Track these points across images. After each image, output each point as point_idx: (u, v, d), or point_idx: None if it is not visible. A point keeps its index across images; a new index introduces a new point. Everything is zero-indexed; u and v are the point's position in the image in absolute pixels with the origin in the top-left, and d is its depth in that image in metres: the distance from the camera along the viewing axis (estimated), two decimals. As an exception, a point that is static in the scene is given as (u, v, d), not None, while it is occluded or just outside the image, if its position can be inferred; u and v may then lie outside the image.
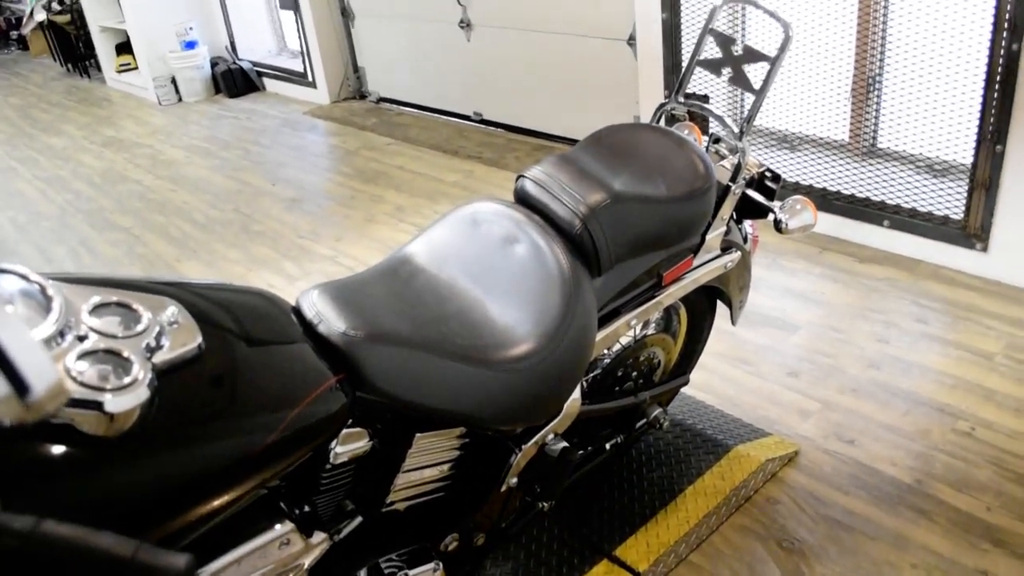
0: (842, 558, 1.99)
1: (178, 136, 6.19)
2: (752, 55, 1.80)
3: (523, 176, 1.67)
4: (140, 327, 1.09)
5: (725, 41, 1.85)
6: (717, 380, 2.64)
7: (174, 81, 7.10)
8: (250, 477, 1.15)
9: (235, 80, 7.03)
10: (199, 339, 1.14)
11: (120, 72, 7.81)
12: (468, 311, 1.48)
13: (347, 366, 1.31)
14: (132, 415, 1.01)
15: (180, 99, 7.15)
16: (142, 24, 6.99)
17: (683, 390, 2.40)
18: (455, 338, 1.41)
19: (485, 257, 1.56)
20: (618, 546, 2.05)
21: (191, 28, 6.97)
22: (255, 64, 7.13)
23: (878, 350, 2.72)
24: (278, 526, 1.24)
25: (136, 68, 7.48)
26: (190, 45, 6.97)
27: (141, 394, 1.02)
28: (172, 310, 1.15)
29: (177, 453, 1.08)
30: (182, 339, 1.13)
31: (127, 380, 1.01)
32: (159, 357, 1.09)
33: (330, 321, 1.34)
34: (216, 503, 1.11)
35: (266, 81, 7.11)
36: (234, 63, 7.12)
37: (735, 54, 1.81)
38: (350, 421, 1.32)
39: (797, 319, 2.94)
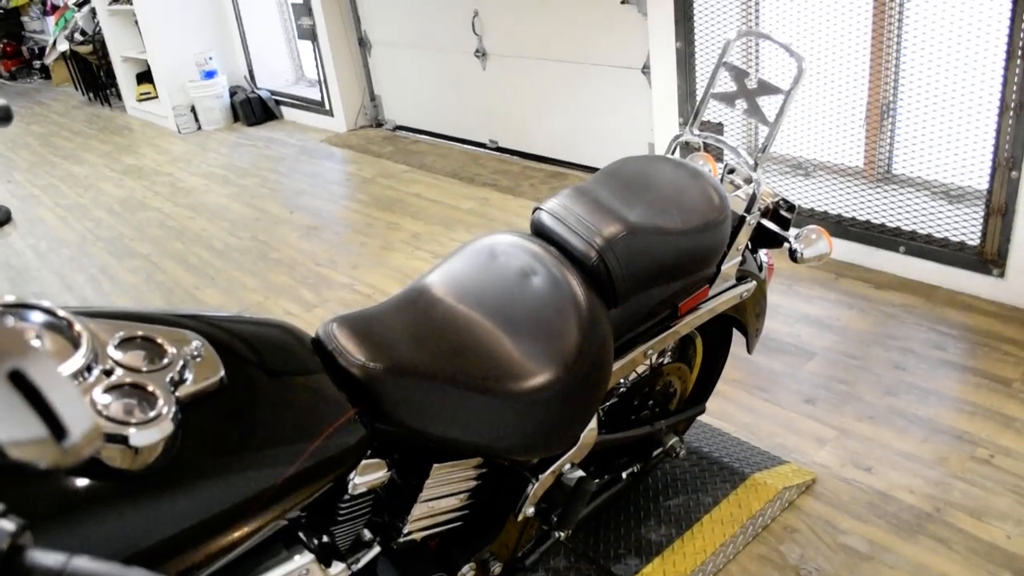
0: (861, 588, 1.98)
1: (197, 164, 6.27)
2: (765, 88, 1.82)
3: (539, 208, 1.69)
4: (164, 361, 1.12)
5: (739, 74, 1.87)
6: (733, 408, 2.64)
7: (193, 110, 7.20)
8: (270, 509, 1.16)
9: (253, 109, 7.12)
10: (221, 372, 1.16)
11: (140, 101, 7.93)
12: (485, 342, 1.49)
13: (366, 398, 1.32)
14: (156, 448, 1.03)
15: (199, 127, 7.25)
16: (162, 54, 7.11)
17: (700, 418, 2.40)
18: (472, 369, 1.43)
19: (502, 289, 1.57)
20: (635, 575, 2.04)
21: (210, 58, 7.07)
22: (273, 93, 7.22)
23: (895, 377, 2.71)
24: (297, 557, 1.25)
25: (156, 97, 7.59)
26: (209, 75, 7.07)
27: (165, 428, 1.03)
28: (195, 344, 1.17)
29: (199, 485, 1.09)
30: (205, 372, 1.15)
31: (152, 414, 1.03)
32: (183, 391, 1.11)
33: (349, 353, 1.36)
34: (237, 535, 1.12)
35: (284, 109, 7.19)
36: (252, 92, 7.21)
37: (748, 87, 1.84)
38: (369, 452, 1.34)
39: (813, 346, 2.94)
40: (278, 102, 7.20)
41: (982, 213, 3.02)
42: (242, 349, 1.28)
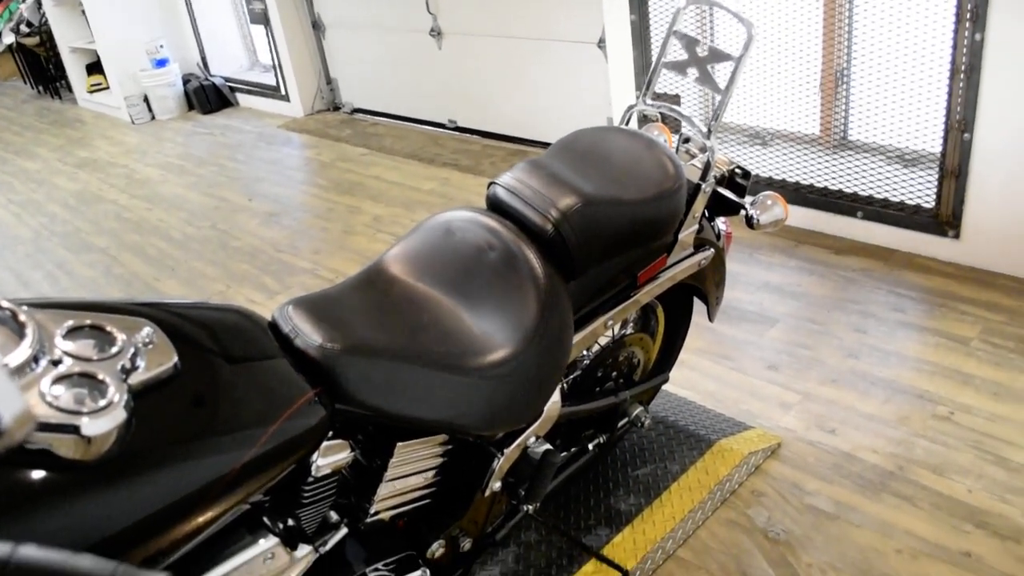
0: (828, 547, 2.01)
1: (152, 154, 6.17)
2: (716, 55, 1.82)
3: (495, 183, 1.68)
4: (115, 349, 1.10)
5: (690, 42, 1.87)
6: (698, 376, 2.66)
7: (146, 99, 7.06)
8: (231, 494, 1.15)
9: (208, 96, 7.01)
10: (175, 358, 1.15)
11: (92, 92, 7.77)
12: (444, 319, 1.49)
13: (325, 379, 1.31)
14: (109, 438, 1.01)
15: (153, 117, 7.12)
16: (112, 44, 6.96)
17: (665, 387, 2.41)
18: (432, 346, 1.42)
19: (460, 265, 1.57)
20: (605, 545, 2.06)
21: (161, 46, 6.94)
22: (227, 80, 7.11)
23: (856, 340, 2.75)
24: (262, 541, 1.24)
25: (107, 88, 7.44)
26: (161, 63, 6.94)
27: (118, 416, 1.02)
28: (147, 331, 1.15)
29: (156, 473, 1.08)
30: (157, 359, 1.13)
31: (103, 403, 1.01)
32: (135, 378, 1.09)
33: (306, 335, 1.35)
34: (198, 521, 1.11)
35: (239, 96, 7.09)
36: (206, 79, 7.09)
37: (700, 55, 1.83)
38: (331, 433, 1.33)
39: (775, 312, 2.96)
40: (233, 89, 7.09)
41: (936, 176, 3.06)
42: (195, 334, 1.26)
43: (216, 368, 1.23)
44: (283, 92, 6.51)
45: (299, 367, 1.32)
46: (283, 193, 4.98)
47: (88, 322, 1.11)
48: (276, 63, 6.40)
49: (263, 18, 6.23)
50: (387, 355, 1.36)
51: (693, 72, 1.86)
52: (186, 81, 7.10)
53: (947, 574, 1.91)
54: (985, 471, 2.16)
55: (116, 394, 1.03)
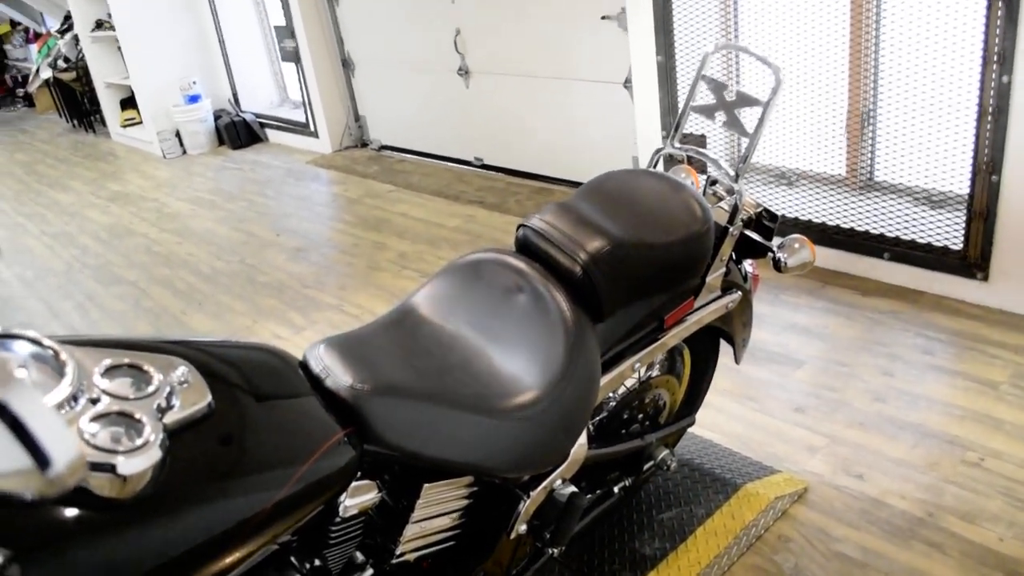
0: (856, 595, 1.99)
1: (183, 189, 6.26)
2: (744, 100, 1.84)
3: (524, 225, 1.70)
4: (151, 388, 1.11)
5: (718, 87, 1.89)
6: (724, 418, 2.65)
7: (178, 134, 7.20)
8: (261, 534, 1.16)
9: (238, 132, 7.13)
10: (209, 398, 1.16)
11: (125, 127, 7.93)
12: (473, 361, 1.50)
13: (355, 419, 1.32)
14: (145, 476, 1.03)
15: (184, 152, 7.24)
16: (146, 79, 7.11)
17: (690, 429, 2.40)
18: (460, 388, 1.43)
19: (488, 307, 1.58)
20: (630, 589, 2.04)
21: (194, 82, 7.08)
22: (258, 116, 7.23)
23: (884, 383, 2.72)
24: (290, 582, 1.25)
25: (140, 123, 7.59)
26: (193, 99, 7.07)
27: (153, 455, 1.03)
28: (182, 370, 1.17)
29: (189, 512, 1.09)
30: (192, 398, 1.15)
31: (139, 442, 1.03)
32: (170, 417, 1.11)
33: (337, 375, 1.36)
34: (228, 561, 1.12)
35: (269, 132, 7.20)
36: (237, 115, 7.22)
37: (728, 99, 1.85)
38: (359, 474, 1.34)
39: (801, 354, 2.95)
40: (263, 125, 7.21)
41: (964, 217, 3.04)
42: (229, 374, 1.28)
43: (248, 407, 1.25)
44: (312, 128, 6.60)
45: (329, 407, 1.33)
46: (310, 229, 5.04)
47: (126, 361, 1.13)
48: (306, 100, 6.50)
49: (294, 56, 6.34)
50: (416, 396, 1.37)
51: (721, 116, 1.87)
52: (217, 117, 7.23)
53: (979, 625, 1.88)
54: (1016, 519, 2.13)
55: (152, 433, 1.04)
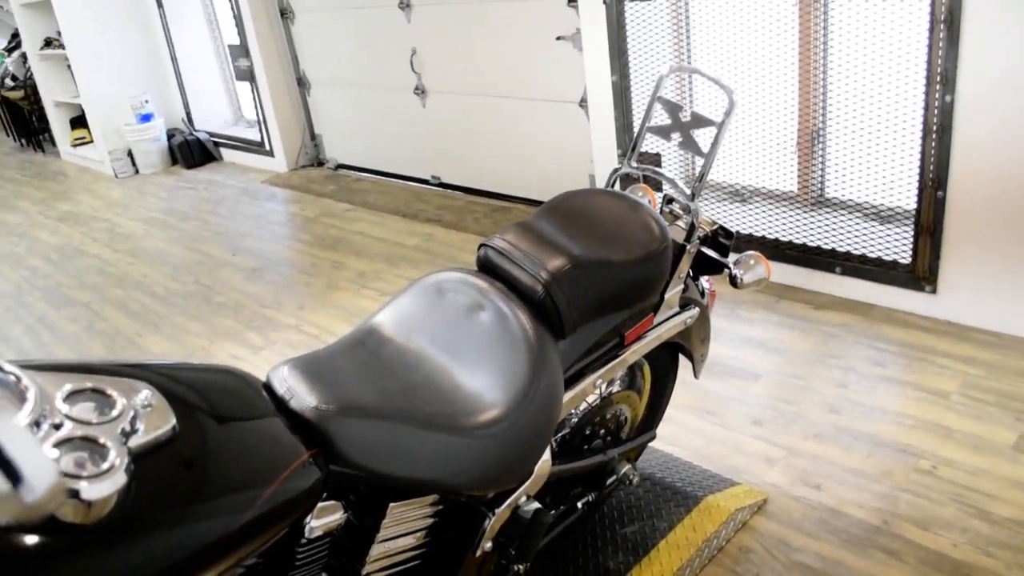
0: (815, 604, 2.02)
1: (135, 209, 6.18)
2: (699, 121, 1.88)
3: (485, 245, 1.72)
4: (115, 412, 1.11)
5: (673, 108, 1.93)
6: (684, 432, 2.68)
7: (130, 154, 7.10)
8: (227, 556, 1.15)
9: (192, 151, 7.06)
10: (173, 421, 1.16)
11: (75, 146, 7.81)
12: (436, 379, 1.51)
13: (320, 440, 1.32)
14: (110, 501, 1.02)
15: (137, 171, 7.15)
16: (97, 98, 7.01)
17: (652, 444, 2.42)
18: (425, 407, 1.44)
19: (451, 325, 1.59)
20: (595, 604, 2.06)
21: (146, 101, 7.00)
22: (212, 135, 7.17)
23: (838, 395, 2.78)
24: (257, 604, 1.25)
25: (91, 142, 7.48)
26: (146, 118, 7.00)
27: (118, 480, 1.03)
28: (145, 393, 1.16)
29: (154, 537, 1.08)
30: (156, 422, 1.14)
31: (104, 466, 1.02)
32: (135, 441, 1.10)
33: (301, 396, 1.36)
34: (192, 585, 1.12)
35: (223, 151, 7.15)
36: (191, 134, 7.15)
37: (683, 120, 1.89)
38: (324, 495, 1.34)
39: (758, 368, 3.00)
40: (217, 144, 7.15)
41: (912, 232, 3.13)
42: (192, 397, 1.27)
43: (213, 430, 1.24)
44: (267, 147, 6.57)
45: (294, 428, 1.33)
46: (267, 248, 5.01)
47: (89, 385, 1.12)
48: (261, 119, 6.47)
49: (249, 75, 6.32)
50: (381, 416, 1.38)
51: (676, 137, 1.91)
52: (170, 136, 7.16)
53: (934, 630, 1.93)
54: (969, 525, 2.19)
55: (117, 458, 1.03)
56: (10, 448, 0.75)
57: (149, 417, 1.14)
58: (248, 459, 1.24)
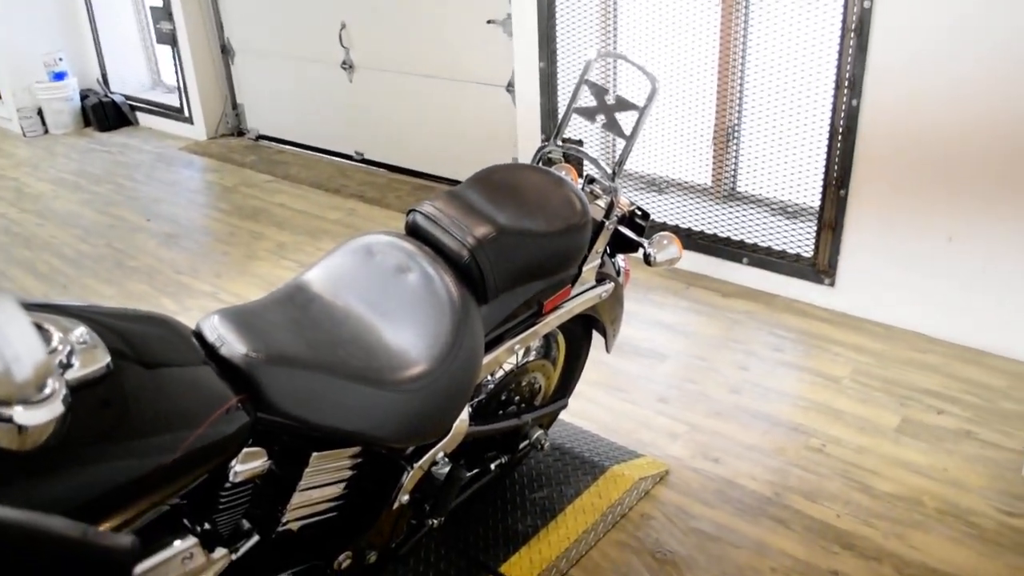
0: (710, 566, 2.15)
1: (45, 169, 5.99)
2: (623, 104, 1.98)
3: (415, 210, 1.78)
4: (52, 345, 1.13)
5: (599, 91, 2.02)
6: (594, 407, 2.80)
7: (40, 113, 6.85)
8: (153, 493, 1.20)
9: (106, 113, 6.85)
10: (107, 359, 1.18)
11: (-19, 102, 7.48)
12: (363, 335, 1.57)
13: (249, 387, 1.37)
14: (47, 429, 1.05)
15: (47, 131, 6.90)
16: (7, 52, 6.72)
17: (562, 416, 2.53)
18: (351, 360, 1.50)
19: (379, 285, 1.65)
20: (503, 563, 2.15)
21: (60, 58, 6.76)
22: (128, 98, 6.97)
23: (740, 377, 2.94)
24: (182, 541, 1.28)
25: (-1, 98, 7.19)
26: (59, 76, 6.75)
27: (56, 409, 1.05)
28: (81, 331, 1.19)
29: (85, 469, 1.11)
30: (91, 359, 1.17)
31: (42, 395, 1.05)
32: (71, 375, 1.13)
33: (231, 343, 1.40)
34: (119, 518, 1.15)
35: (140, 115, 6.96)
36: (106, 96, 6.94)
37: (608, 103, 1.99)
38: (250, 441, 1.38)
39: (666, 349, 3.14)
40: (133, 107, 6.96)
41: (815, 228, 3.31)
42: (125, 338, 1.30)
43: (144, 372, 1.27)
44: (187, 114, 6.44)
45: (223, 374, 1.37)
46: (183, 215, 4.93)
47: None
48: (181, 84, 6.33)
49: (171, 39, 6.17)
50: (309, 366, 1.43)
51: (601, 119, 2.00)
52: (84, 96, 6.93)
53: (815, 591, 2.08)
54: (852, 497, 2.35)
55: (55, 388, 1.06)
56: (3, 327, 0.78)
57: (85, 353, 1.17)
58: (177, 401, 1.27)
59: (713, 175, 3.74)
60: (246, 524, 1.50)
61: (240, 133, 6.45)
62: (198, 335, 1.44)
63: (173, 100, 6.57)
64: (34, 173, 5.90)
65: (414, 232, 1.77)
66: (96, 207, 5.12)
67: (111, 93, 6.99)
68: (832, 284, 3.32)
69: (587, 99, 2.05)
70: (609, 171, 2.01)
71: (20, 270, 4.24)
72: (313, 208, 4.89)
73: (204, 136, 6.38)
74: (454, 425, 1.74)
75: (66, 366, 1.13)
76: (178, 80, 6.34)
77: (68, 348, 1.15)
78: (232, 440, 1.32)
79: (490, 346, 1.81)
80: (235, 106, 6.38)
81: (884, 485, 2.40)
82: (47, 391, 1.06)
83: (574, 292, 1.99)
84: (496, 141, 4.62)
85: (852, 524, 2.27)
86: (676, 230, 3.73)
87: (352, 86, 5.41)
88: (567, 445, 2.56)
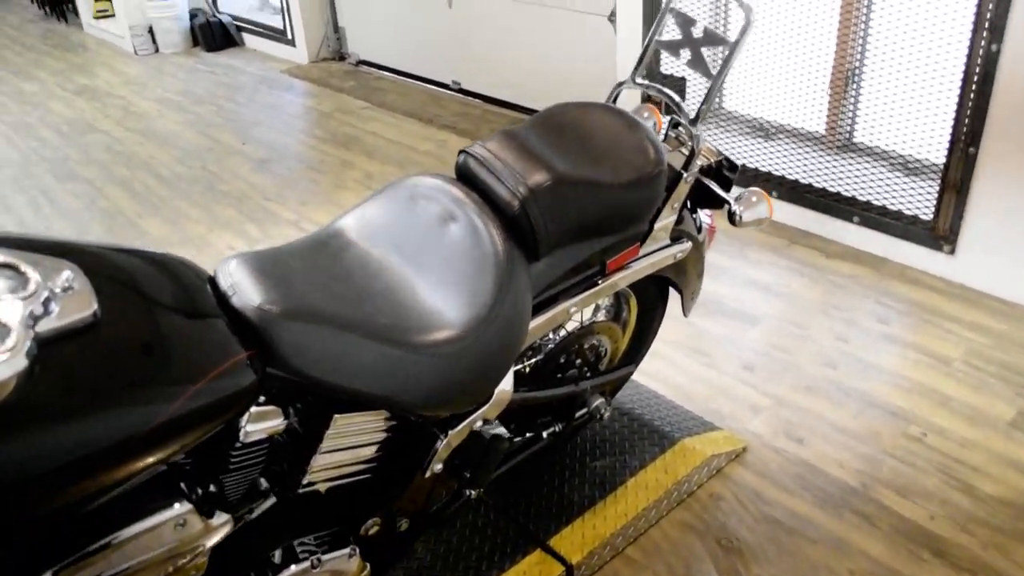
0: (780, 560, 1.96)
1: (152, 88, 6.05)
2: (711, 38, 1.73)
3: (465, 151, 1.60)
4: (26, 292, 1.03)
5: (686, 21, 1.78)
6: (670, 369, 2.60)
7: (151, 31, 6.92)
8: (142, 454, 1.09)
9: (214, 34, 6.87)
10: (94, 307, 1.08)
11: (97, 18, 7.62)
12: (395, 290, 1.42)
13: (259, 342, 1.24)
14: (8, 385, 0.95)
15: (157, 50, 6.99)
16: (122, -31, 6.82)
17: (634, 377, 2.35)
18: (378, 317, 1.35)
19: (419, 234, 1.49)
20: (553, 536, 2.00)
21: (171, -23, 6.80)
22: (235, 18, 6.97)
23: (837, 348, 2.68)
24: (175, 506, 1.19)
25: (113, 15, 7.30)
26: (169, -6, 6.80)
27: (17, 364, 0.96)
28: (67, 275, 1.08)
29: (59, 426, 1.01)
30: (74, 306, 1.07)
31: (2, 347, 0.95)
32: (44, 325, 1.02)
33: (245, 293, 1.28)
34: (104, 480, 1.06)
35: (245, 36, 6.95)
36: (213, 16, 6.95)
37: (695, 36, 1.74)
38: (263, 399, 1.26)
39: (758, 312, 2.89)
40: (239, 28, 6.95)
41: (937, 188, 2.97)
42: (124, 283, 1.19)
43: (140, 320, 1.16)
44: (289, 36, 6.38)
45: (234, 327, 1.25)
46: (278, 140, 4.89)
47: (1, 259, 1.04)
48: (284, 6, 6.26)
49: (276, -41, 6.10)
50: (328, 322, 1.29)
51: (686, 54, 1.77)
52: (193, 16, 6.97)
53: (897, 599, 1.86)
54: (950, 497, 2.10)
55: (17, 340, 0.96)
56: None
57: (66, 301, 1.06)
58: (175, 355, 1.16)
59: (828, 123, 3.41)
60: (263, 484, 1.40)
61: (341, 57, 6.37)
62: (212, 281, 1.32)
63: (278, 22, 6.53)
64: (141, 92, 5.98)
65: (463, 176, 1.59)
66: (196, 128, 5.14)
67: (219, 13, 7.00)
68: (952, 252, 2.98)
69: (672, 31, 1.81)
70: (691, 115, 1.77)
71: (117, 188, 4.28)
72: (405, 138, 4.77)
73: (306, 59, 6.33)
74: (495, 392, 1.58)
75: (40, 316, 1.02)
76: (282, 1, 6.27)
77: (46, 295, 1.04)
78: (238, 398, 1.20)
79: (542, 307, 1.63)
80: (337, 30, 6.29)
81: (989, 487, 2.13)
82: (8, 343, 0.96)
83: (644, 251, 1.78)
84: (596, 73, 4.35)
85: (947, 528, 2.02)
86: (781, 181, 3.43)
87: (452, 12, 5.21)
88: (636, 410, 2.38)
